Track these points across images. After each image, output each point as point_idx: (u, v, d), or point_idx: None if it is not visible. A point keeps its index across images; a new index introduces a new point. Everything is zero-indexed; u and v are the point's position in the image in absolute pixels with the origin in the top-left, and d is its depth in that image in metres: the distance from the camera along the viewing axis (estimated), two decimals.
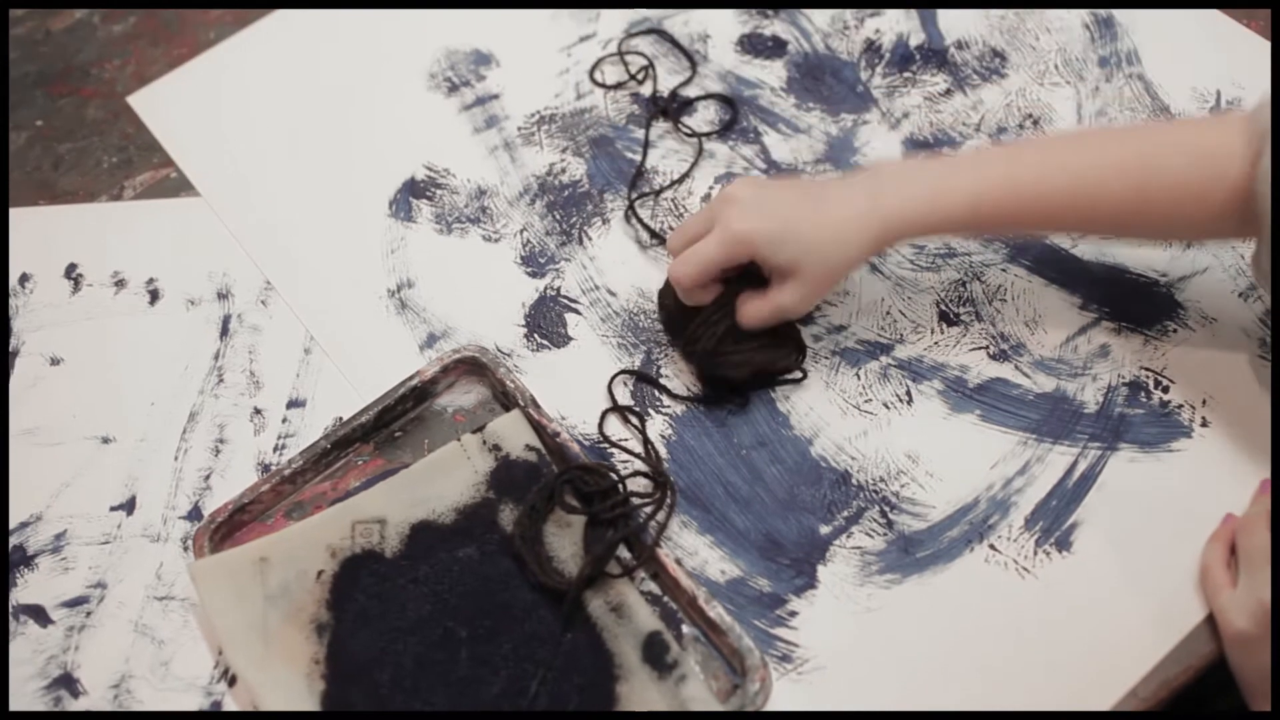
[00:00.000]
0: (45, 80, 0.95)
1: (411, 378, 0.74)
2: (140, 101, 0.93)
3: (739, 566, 0.69)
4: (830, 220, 0.68)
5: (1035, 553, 0.67)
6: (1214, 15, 0.88)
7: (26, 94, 0.95)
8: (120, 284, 0.84)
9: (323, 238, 0.84)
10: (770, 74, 0.89)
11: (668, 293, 0.75)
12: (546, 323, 0.79)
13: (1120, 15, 0.90)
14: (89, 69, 0.96)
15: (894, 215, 0.67)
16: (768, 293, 0.69)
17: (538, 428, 0.72)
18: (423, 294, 0.81)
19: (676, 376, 0.76)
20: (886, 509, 0.70)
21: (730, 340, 0.71)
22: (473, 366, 0.75)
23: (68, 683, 0.68)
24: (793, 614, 0.67)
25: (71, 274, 0.84)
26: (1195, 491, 0.68)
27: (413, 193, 0.86)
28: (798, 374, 0.74)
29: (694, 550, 0.69)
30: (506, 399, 0.74)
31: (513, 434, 0.72)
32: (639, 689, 0.64)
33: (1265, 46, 0.87)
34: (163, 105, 0.93)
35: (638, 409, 0.74)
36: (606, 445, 0.73)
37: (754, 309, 0.70)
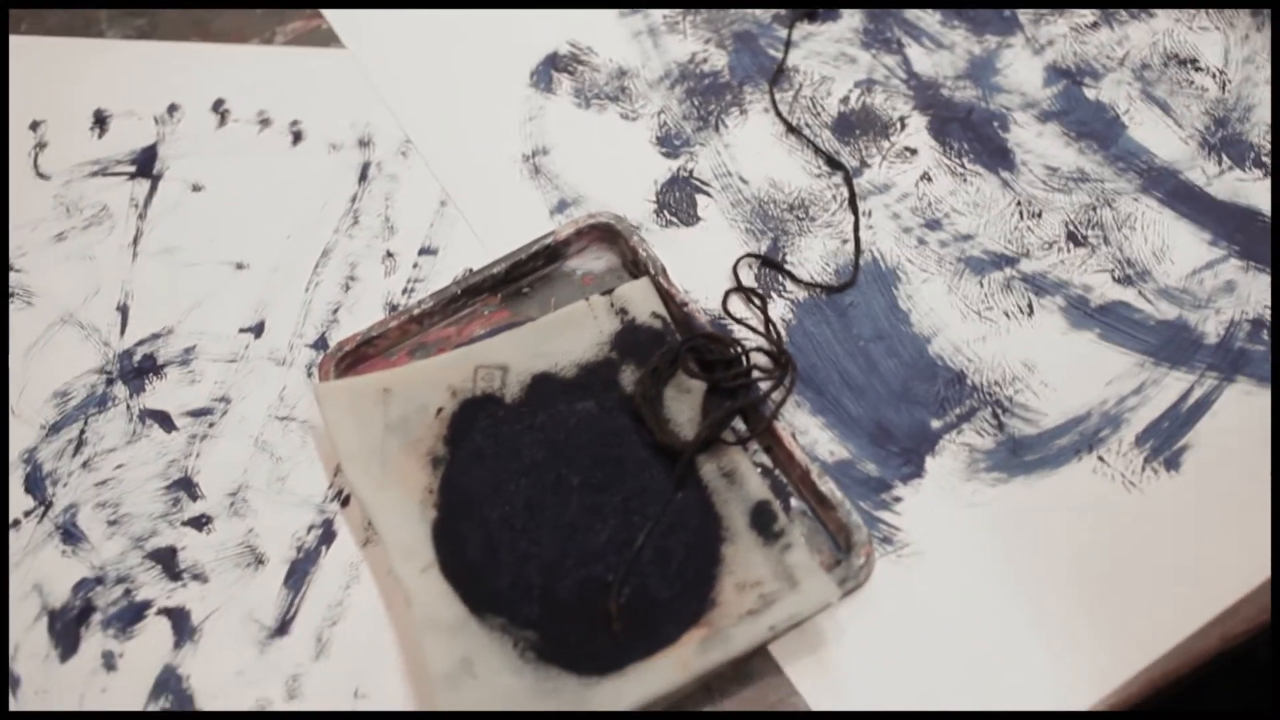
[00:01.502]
0: None
1: (545, 237, 0.73)
2: None
3: (848, 449, 0.67)
4: None
5: (1143, 469, 0.65)
6: None
7: None
8: (265, 123, 0.82)
9: (463, 100, 0.82)
10: None
11: None
12: (676, 201, 0.77)
13: None
14: None
15: None
16: None
17: (665, 296, 0.70)
18: (557, 162, 0.79)
19: (801, 265, 0.74)
20: (999, 411, 0.68)
21: None
22: (606, 233, 0.74)
23: (187, 485, 0.68)
24: (897, 499, 0.65)
25: (218, 109, 0.83)
26: None
27: (554, 66, 0.84)
28: None
29: (805, 430, 0.68)
30: (636, 268, 0.72)
31: (640, 300, 0.70)
32: (744, 551, 0.62)
33: None
34: None
35: (761, 291, 0.73)
36: (729, 322, 0.72)
37: None
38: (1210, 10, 0.83)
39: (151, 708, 0.61)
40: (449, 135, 0.81)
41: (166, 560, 0.66)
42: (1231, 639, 0.61)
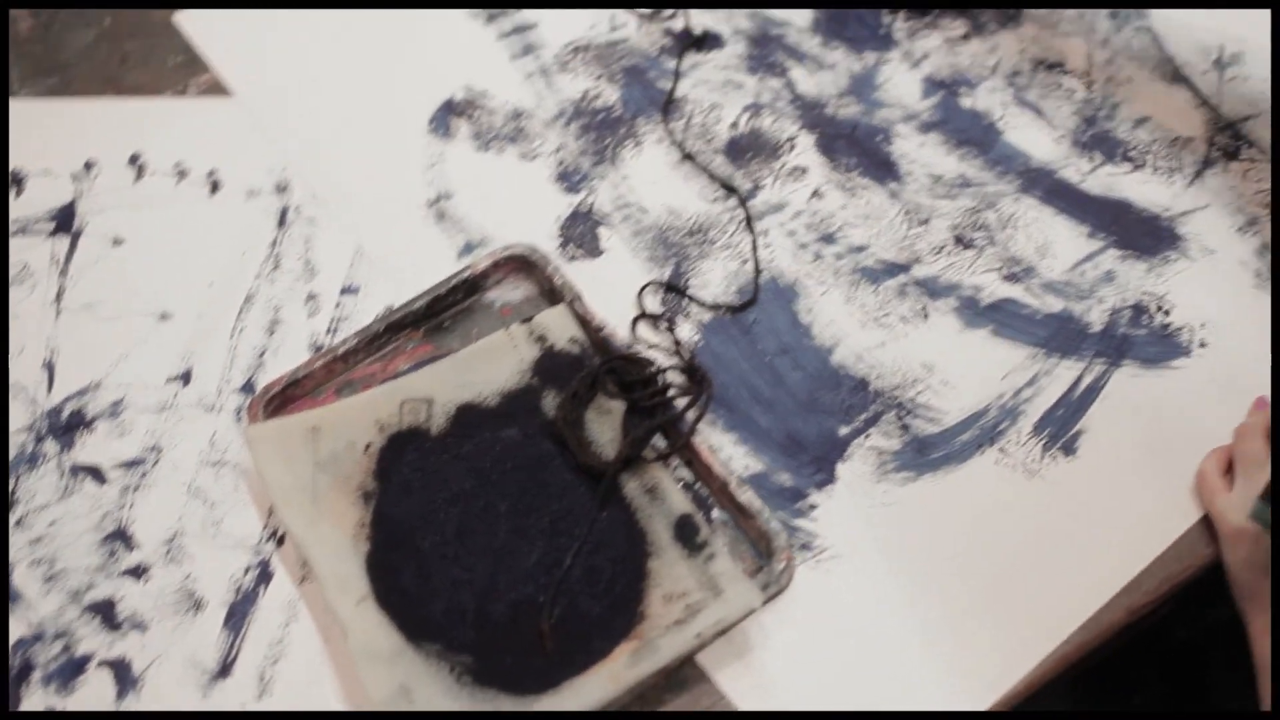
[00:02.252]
0: None
1: (463, 270, 0.72)
2: (186, 19, 0.88)
3: (762, 462, 0.67)
4: None
5: (1042, 456, 0.66)
6: None
7: None
8: (182, 174, 0.80)
9: (365, 150, 0.81)
10: (797, 14, 0.86)
11: None
12: (580, 235, 0.76)
13: None
14: None
15: None
16: None
17: (582, 321, 0.69)
18: (460, 205, 0.78)
19: (705, 288, 0.73)
20: (902, 413, 0.68)
21: None
22: (522, 264, 0.73)
23: (122, 537, 0.66)
24: (812, 507, 0.65)
25: (135, 162, 0.81)
26: (1192, 405, 0.67)
27: (451, 111, 0.82)
28: None
29: (720, 446, 0.67)
30: (553, 296, 0.71)
31: (558, 326, 0.69)
32: (669, 565, 0.62)
33: (1265, 12, 0.83)
34: (208, 21, 0.87)
35: (668, 315, 0.72)
36: (642, 348, 0.71)
37: None
38: (1071, 15, 0.83)
39: None
40: (352, 187, 0.79)
41: (105, 612, 0.64)
42: (1137, 610, 0.62)
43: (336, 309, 0.74)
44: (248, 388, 0.71)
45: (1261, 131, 0.77)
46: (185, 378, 0.72)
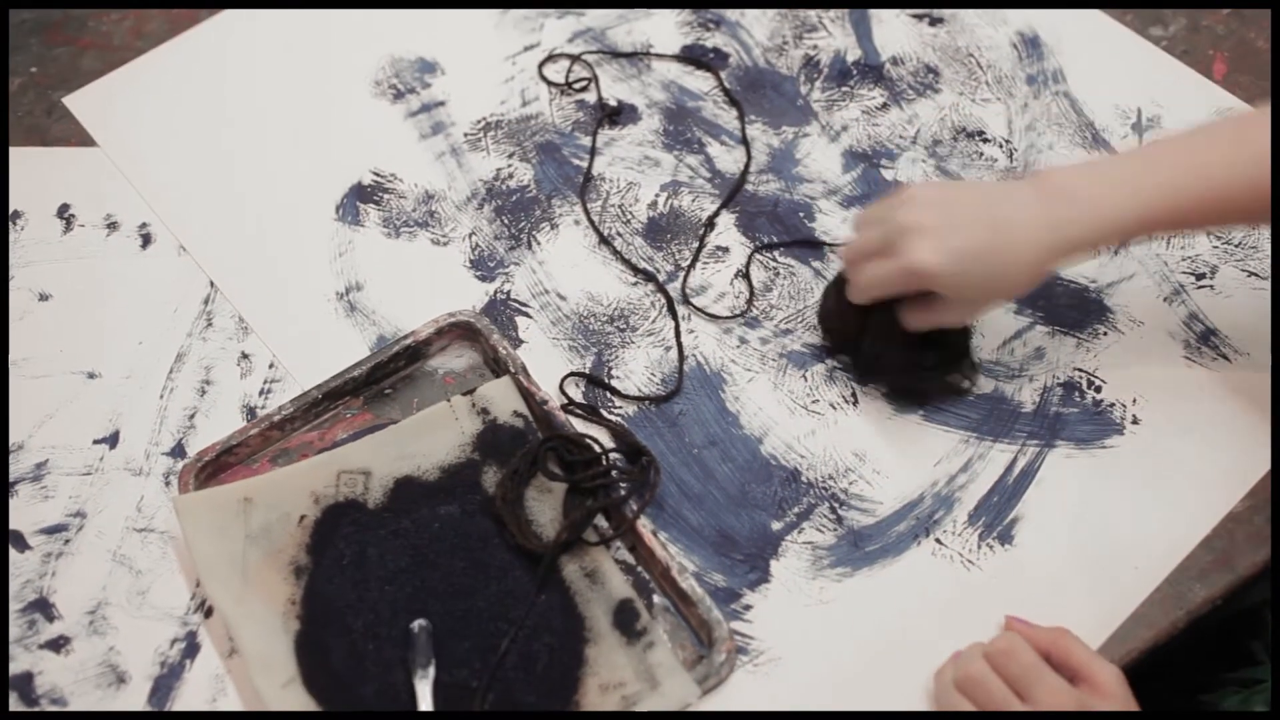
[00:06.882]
0: (42, 28, 0.84)
1: (405, 337, 0.68)
2: (77, 102, 0.81)
3: (694, 562, 0.63)
4: (1011, 252, 0.60)
5: (979, 546, 0.63)
6: (1130, 38, 0.83)
7: (22, 41, 0.84)
8: (112, 226, 0.75)
9: (270, 242, 0.75)
10: (712, 85, 0.82)
11: (833, 295, 0.68)
12: (498, 326, 0.70)
13: (1045, 35, 0.84)
14: (87, 20, 0.85)
15: (1072, 240, 0.60)
16: (934, 304, 0.62)
17: (526, 395, 0.66)
18: (372, 296, 0.72)
19: (627, 378, 0.69)
20: (836, 505, 0.64)
21: (900, 345, 0.65)
22: (466, 331, 0.69)
23: (43, 607, 0.61)
24: (748, 607, 0.61)
25: (63, 214, 0.75)
26: (1129, 484, 0.64)
27: (359, 197, 0.77)
28: (965, 384, 0.68)
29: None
30: (497, 365, 0.67)
31: (502, 399, 0.65)
32: (607, 652, 0.58)
33: (1178, 67, 0.82)
34: (101, 107, 0.80)
35: (591, 408, 0.67)
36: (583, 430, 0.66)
37: (918, 317, 0.63)
38: (990, 82, 0.81)
39: None
40: (260, 279, 0.73)
41: (22, 687, 0.58)
42: None
43: (270, 369, 0.69)
44: (177, 451, 0.66)
45: None
46: (112, 440, 0.66)
